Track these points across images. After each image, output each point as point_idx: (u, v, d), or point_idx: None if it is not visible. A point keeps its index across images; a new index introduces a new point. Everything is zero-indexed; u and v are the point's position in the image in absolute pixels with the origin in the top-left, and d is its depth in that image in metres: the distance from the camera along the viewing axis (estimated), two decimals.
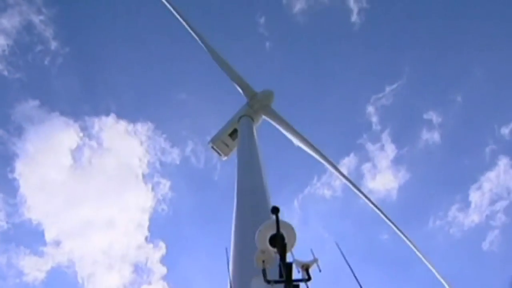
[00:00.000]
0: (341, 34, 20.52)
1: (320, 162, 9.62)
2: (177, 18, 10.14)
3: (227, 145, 9.01)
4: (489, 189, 19.40)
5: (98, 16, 20.21)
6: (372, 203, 9.71)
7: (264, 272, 3.13)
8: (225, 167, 19.32)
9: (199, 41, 9.70)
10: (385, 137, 20.10)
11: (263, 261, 3.15)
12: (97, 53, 20.25)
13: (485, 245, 19.33)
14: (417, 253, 9.13)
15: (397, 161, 20.63)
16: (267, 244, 3.18)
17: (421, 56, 19.93)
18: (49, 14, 19.55)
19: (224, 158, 9.01)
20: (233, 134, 9.01)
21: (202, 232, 20.64)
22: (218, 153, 9.03)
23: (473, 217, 19.73)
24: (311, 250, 3.17)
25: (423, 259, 9.11)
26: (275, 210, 3.15)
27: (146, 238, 20.69)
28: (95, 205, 21.09)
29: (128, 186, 21.37)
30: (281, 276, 3.13)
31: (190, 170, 21.10)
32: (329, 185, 19.88)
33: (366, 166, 20.25)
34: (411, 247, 9.24)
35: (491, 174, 19.50)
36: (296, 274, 3.12)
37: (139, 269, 20.94)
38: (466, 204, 19.84)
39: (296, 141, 9.34)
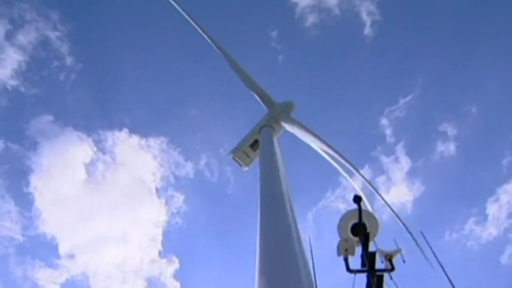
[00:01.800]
0: (354, 47, 20.74)
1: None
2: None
3: (248, 156, 8.90)
4: (507, 201, 19.39)
5: (112, 32, 20.40)
6: (390, 208, 9.66)
7: (346, 260, 3.05)
8: (238, 181, 19.27)
9: (218, 50, 9.70)
10: (400, 149, 20.14)
11: (346, 250, 3.07)
12: (111, 69, 20.41)
13: (504, 259, 19.24)
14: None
15: (411, 174, 20.62)
16: (349, 233, 3.11)
17: (435, 67, 20.12)
18: (65, 31, 19.78)
19: (245, 169, 8.91)
20: (254, 144, 8.93)
21: (215, 246, 20.48)
22: (239, 163, 8.93)
23: (491, 230, 19.65)
24: (395, 240, 3.10)
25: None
26: (358, 199, 3.09)
27: (159, 253, 20.55)
28: (109, 220, 21.05)
29: (142, 200, 21.41)
30: (363, 265, 3.04)
31: (204, 183, 21.06)
32: (344, 199, 19.80)
33: (381, 179, 20.21)
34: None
35: (509, 187, 19.52)
36: (379, 264, 3.04)
37: (153, 284, 20.71)
38: (483, 217, 19.78)
39: (318, 149, 9.29)
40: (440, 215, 20.48)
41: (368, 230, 3.09)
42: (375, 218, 3.12)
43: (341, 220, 3.12)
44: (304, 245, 3.63)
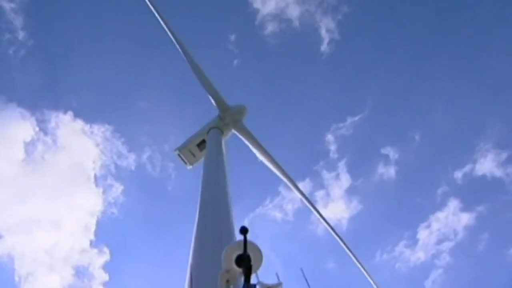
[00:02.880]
0: (309, 60, 20.92)
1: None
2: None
3: (193, 155, 8.93)
4: (437, 228, 20.09)
5: (69, 13, 19.76)
6: (328, 224, 9.90)
7: None
8: (179, 178, 19.11)
9: (177, 45, 9.64)
10: (342, 166, 20.50)
11: (227, 281, 3.13)
12: (64, 49, 19.77)
13: (428, 283, 19.95)
14: (369, 279, 9.30)
15: (350, 192, 21.05)
16: (233, 264, 3.16)
17: (385, 92, 20.68)
18: (21, 4, 18.87)
19: (189, 167, 8.94)
20: (201, 144, 8.95)
21: (148, 241, 20.20)
22: (184, 161, 8.94)
23: (419, 255, 20.35)
24: (276, 274, 3.17)
25: (374, 285, 9.29)
26: (244, 231, 3.15)
27: (91, 242, 19.99)
28: (43, 203, 20.24)
29: (79, 187, 20.67)
30: None
31: (145, 177, 20.69)
32: (281, 208, 20.04)
33: (320, 193, 20.56)
34: (363, 272, 9.41)
35: (441, 215, 20.24)
36: None
37: (80, 273, 20.16)
38: (413, 241, 20.45)
39: (262, 158, 9.39)
40: (373, 234, 21.06)
41: (252, 262, 3.15)
42: (259, 251, 3.19)
43: (226, 250, 3.17)
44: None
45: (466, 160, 20.16)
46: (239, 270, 3.14)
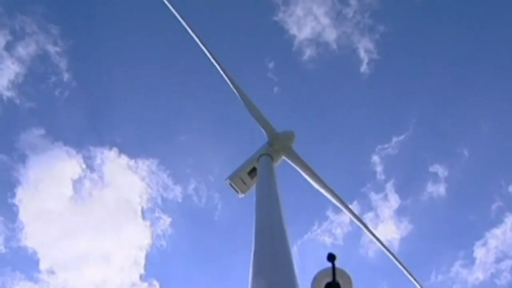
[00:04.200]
0: (349, 83, 20.83)
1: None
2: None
3: (244, 183, 8.87)
4: (495, 246, 19.13)
5: (111, 52, 20.48)
6: (384, 246, 9.59)
7: None
8: (225, 208, 19.09)
9: (223, 74, 9.74)
10: (389, 187, 20.02)
11: None
12: (106, 88, 20.45)
13: None
14: None
15: (400, 212, 20.46)
16: None
17: (429, 108, 20.23)
18: (65, 46, 19.71)
19: (241, 196, 8.86)
20: (252, 172, 8.89)
21: (197, 273, 20.12)
22: (236, 190, 8.88)
23: (478, 275, 19.37)
24: None
25: None
26: (332, 258, 3.04)
27: (140, 276, 20.06)
28: (92, 238, 20.60)
29: (127, 221, 20.96)
30: None
31: (192, 208, 20.78)
32: (330, 233, 19.65)
33: (369, 215, 20.10)
34: None
35: (497, 231, 19.28)
36: None
37: None
38: (470, 261, 19.51)
39: (315, 185, 9.24)
40: (426, 255, 20.19)
41: None
42: (349, 277, 3.06)
43: (314, 279, 3.06)
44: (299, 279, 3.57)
45: None
46: None
